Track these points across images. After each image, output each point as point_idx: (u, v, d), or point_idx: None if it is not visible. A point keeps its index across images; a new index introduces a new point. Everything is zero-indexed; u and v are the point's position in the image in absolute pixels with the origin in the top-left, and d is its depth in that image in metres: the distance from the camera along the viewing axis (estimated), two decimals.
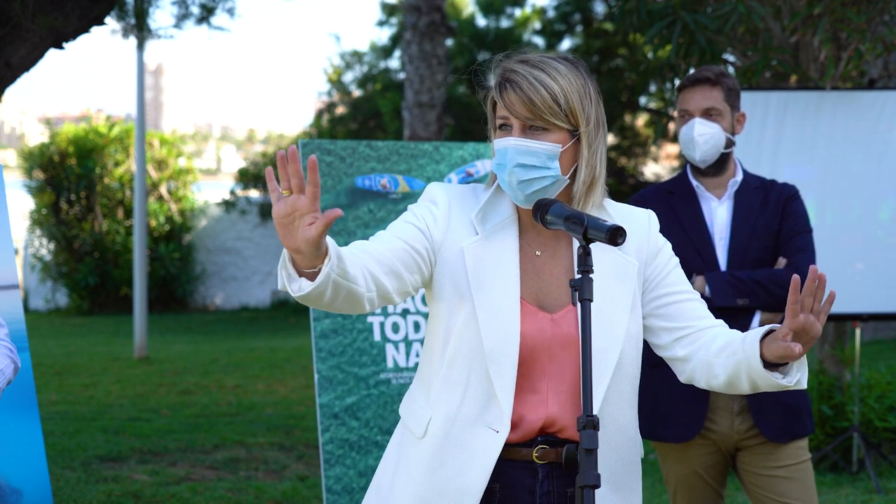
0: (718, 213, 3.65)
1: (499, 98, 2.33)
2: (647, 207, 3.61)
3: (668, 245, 2.49)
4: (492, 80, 2.37)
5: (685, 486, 3.62)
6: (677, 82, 7.14)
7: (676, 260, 2.48)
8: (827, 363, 6.98)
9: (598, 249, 2.32)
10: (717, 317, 3.47)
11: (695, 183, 3.68)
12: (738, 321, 3.53)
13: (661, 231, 3.61)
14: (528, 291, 2.34)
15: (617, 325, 2.34)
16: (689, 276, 3.60)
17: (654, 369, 3.65)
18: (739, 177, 3.68)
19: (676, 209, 3.65)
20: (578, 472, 2.07)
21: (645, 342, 2.42)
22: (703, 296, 3.52)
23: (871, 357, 10.18)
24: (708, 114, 3.60)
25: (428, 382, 2.37)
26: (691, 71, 6.95)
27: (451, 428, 2.30)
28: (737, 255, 3.60)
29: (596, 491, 2.11)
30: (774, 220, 3.63)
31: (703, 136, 3.58)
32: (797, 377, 2.27)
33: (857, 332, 6.55)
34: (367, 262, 2.17)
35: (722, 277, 3.55)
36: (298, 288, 2.02)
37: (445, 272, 2.33)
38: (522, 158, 2.30)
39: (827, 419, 6.66)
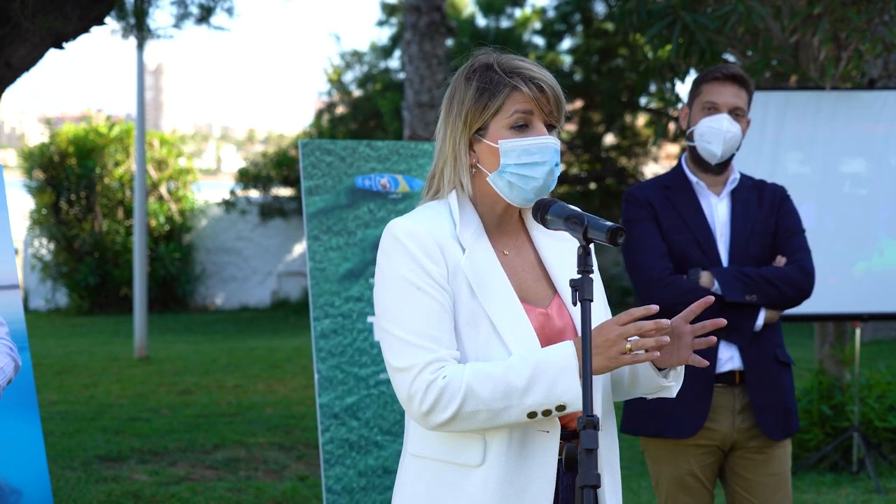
0: (719, 210, 3.67)
1: (539, 94, 2.27)
2: (647, 200, 3.66)
3: None
4: (507, 76, 2.28)
5: (679, 488, 3.60)
6: (677, 82, 7.14)
7: None
8: (827, 363, 6.98)
9: (566, 242, 2.34)
10: (723, 311, 3.50)
11: (694, 179, 3.67)
12: (745, 317, 3.56)
13: (663, 224, 3.63)
14: (516, 292, 2.31)
15: (600, 314, 2.33)
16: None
17: None
18: (737, 175, 3.70)
19: (676, 203, 3.65)
20: (578, 472, 2.07)
21: None
22: (711, 291, 3.53)
23: (871, 357, 10.18)
24: (735, 113, 3.59)
25: None
26: (691, 71, 6.96)
27: (509, 444, 2.25)
28: (738, 252, 3.62)
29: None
30: (771, 218, 3.66)
31: (730, 132, 3.57)
32: (672, 383, 2.34)
33: (857, 332, 6.55)
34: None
35: (730, 273, 3.56)
36: None
37: (456, 302, 2.28)
38: (558, 158, 2.30)
39: (827, 419, 6.66)
